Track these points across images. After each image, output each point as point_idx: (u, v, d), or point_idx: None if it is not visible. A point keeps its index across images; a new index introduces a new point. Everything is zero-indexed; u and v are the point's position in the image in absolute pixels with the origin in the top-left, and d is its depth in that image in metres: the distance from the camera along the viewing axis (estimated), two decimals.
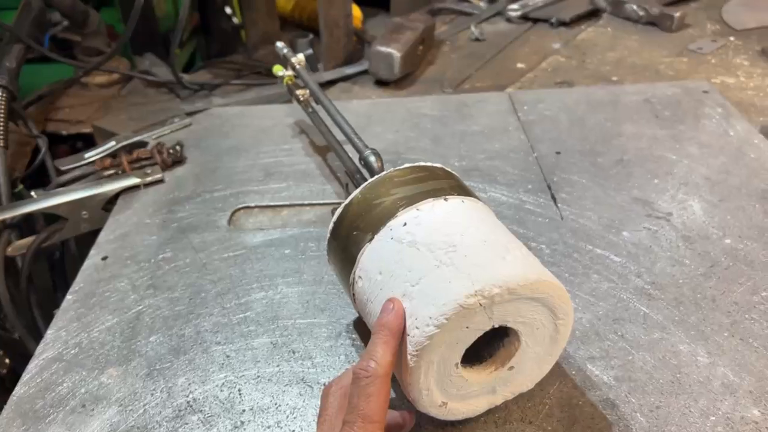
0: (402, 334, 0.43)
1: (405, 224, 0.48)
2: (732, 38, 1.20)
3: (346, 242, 0.51)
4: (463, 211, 0.49)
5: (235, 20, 1.43)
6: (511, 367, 0.48)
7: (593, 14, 1.37)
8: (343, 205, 0.53)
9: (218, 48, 1.47)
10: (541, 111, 0.92)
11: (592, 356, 0.55)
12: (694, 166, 0.78)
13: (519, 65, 1.18)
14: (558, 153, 0.82)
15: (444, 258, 0.44)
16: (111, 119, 1.06)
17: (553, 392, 0.52)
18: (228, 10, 1.43)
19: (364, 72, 1.16)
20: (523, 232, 0.69)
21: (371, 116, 0.94)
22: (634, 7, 1.29)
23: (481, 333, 0.44)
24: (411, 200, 0.49)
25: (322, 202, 0.76)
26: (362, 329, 0.58)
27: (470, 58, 1.23)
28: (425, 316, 0.42)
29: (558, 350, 0.49)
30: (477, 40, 1.31)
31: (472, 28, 1.33)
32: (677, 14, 1.22)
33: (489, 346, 0.48)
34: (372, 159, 0.59)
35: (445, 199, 0.50)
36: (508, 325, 0.45)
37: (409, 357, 0.43)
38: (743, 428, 0.48)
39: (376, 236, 0.49)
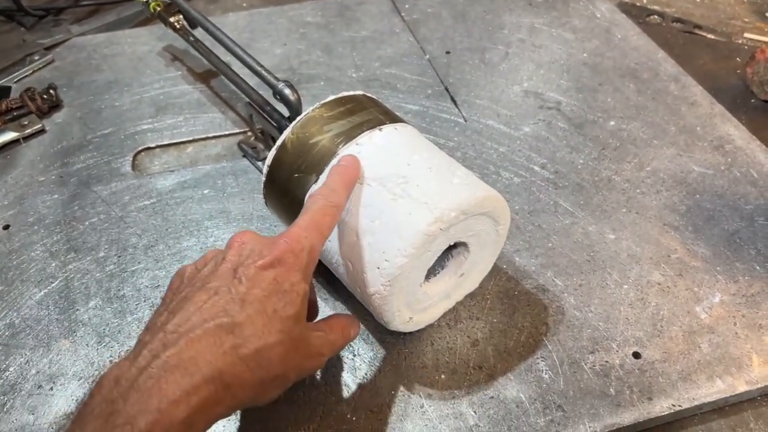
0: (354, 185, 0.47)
1: None
2: None
3: (287, 185, 0.52)
4: (400, 138, 0.51)
5: None
6: (462, 274, 0.53)
7: None
8: (276, 148, 0.52)
9: None
10: (424, 9, 0.93)
11: (518, 249, 0.61)
12: (572, 52, 0.84)
13: None
14: (448, 53, 0.85)
15: (398, 191, 0.46)
16: None
17: (491, 287, 0.58)
18: None
19: None
20: (434, 138, 0.72)
21: (254, 30, 0.90)
22: None
23: (439, 253, 0.48)
24: (348, 136, 0.50)
25: (227, 133, 0.74)
26: None
27: None
28: (393, 248, 0.45)
29: (498, 250, 0.54)
30: None
31: None
32: None
33: (439, 259, 0.52)
34: (288, 92, 0.58)
35: (380, 130, 0.51)
36: (461, 240, 0.49)
37: (382, 287, 0.46)
38: (649, 290, 0.57)
39: (321, 177, 0.50)
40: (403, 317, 0.50)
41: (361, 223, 0.47)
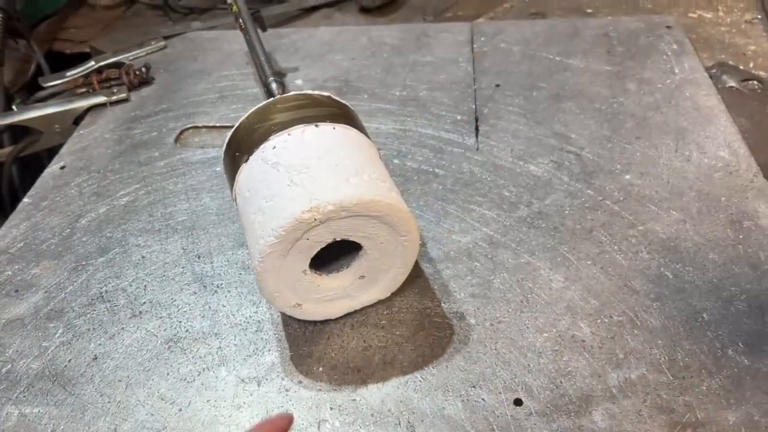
0: None
1: (274, 147, 0.53)
2: None
3: (231, 162, 0.57)
4: (332, 136, 0.54)
5: None
6: (362, 276, 0.54)
7: None
8: (232, 130, 0.58)
9: None
10: (497, 43, 0.94)
11: (457, 274, 0.60)
12: (625, 102, 0.80)
13: None
14: (497, 86, 0.85)
15: (296, 178, 0.50)
16: (107, 40, 1.13)
17: (411, 303, 0.58)
18: None
19: None
20: (436, 161, 0.73)
21: (333, 44, 0.97)
22: None
23: (324, 245, 0.50)
24: (285, 125, 0.54)
25: None
26: None
27: None
28: (269, 228, 0.48)
29: (409, 264, 0.55)
30: None
31: None
32: None
33: (345, 256, 0.54)
34: (273, 87, 0.64)
35: (317, 126, 0.55)
36: (351, 239, 0.51)
37: (257, 263, 0.49)
38: (570, 344, 0.53)
39: (250, 158, 0.54)
40: (286, 300, 0.52)
41: (258, 202, 0.51)
